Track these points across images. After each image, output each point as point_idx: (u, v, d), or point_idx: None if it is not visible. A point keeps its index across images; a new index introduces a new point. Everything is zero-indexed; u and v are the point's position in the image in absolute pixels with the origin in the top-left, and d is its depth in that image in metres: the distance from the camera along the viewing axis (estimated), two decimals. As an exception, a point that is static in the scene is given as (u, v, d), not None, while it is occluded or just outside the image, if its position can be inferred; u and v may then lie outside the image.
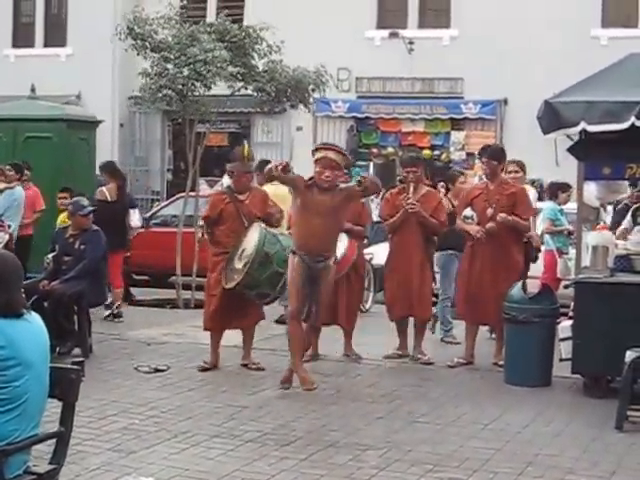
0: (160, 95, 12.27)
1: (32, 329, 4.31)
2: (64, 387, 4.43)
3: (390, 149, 22.05)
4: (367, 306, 12.15)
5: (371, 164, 21.59)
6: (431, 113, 21.73)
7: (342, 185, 8.05)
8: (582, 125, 7.69)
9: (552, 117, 7.80)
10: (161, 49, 12.22)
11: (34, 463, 4.38)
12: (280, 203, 9.26)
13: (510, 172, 9.84)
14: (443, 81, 21.90)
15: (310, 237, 7.79)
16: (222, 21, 12.82)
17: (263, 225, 8.72)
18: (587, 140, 7.97)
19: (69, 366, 4.55)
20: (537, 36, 20.11)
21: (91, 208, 9.58)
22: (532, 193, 10.21)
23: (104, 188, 12.01)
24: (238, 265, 8.60)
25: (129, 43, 12.54)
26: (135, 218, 12.38)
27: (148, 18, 12.49)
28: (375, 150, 22.22)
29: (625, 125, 7.56)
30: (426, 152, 21.90)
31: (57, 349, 9.09)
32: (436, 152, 21.89)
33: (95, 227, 9.67)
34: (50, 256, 9.79)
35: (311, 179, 7.87)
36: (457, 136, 21.61)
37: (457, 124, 21.80)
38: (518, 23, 20.42)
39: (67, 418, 4.47)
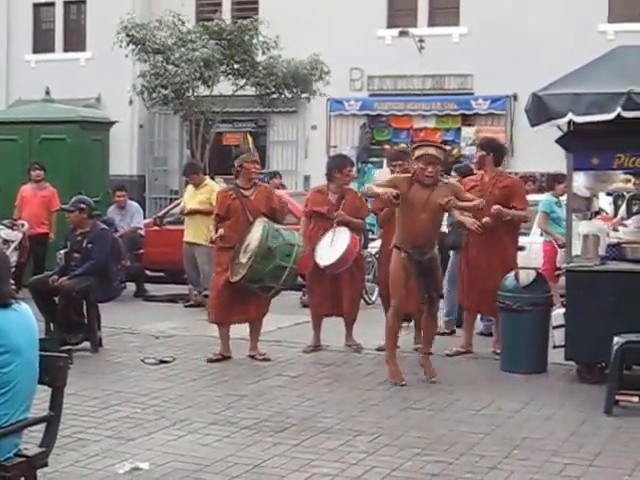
0: (155, 95, 12.49)
1: (20, 318, 4.45)
2: (53, 374, 4.59)
3: (402, 145, 22.25)
4: (372, 298, 12.35)
5: (384, 160, 21.77)
6: (442, 109, 22.04)
7: (445, 180, 8.37)
8: (569, 116, 7.83)
9: (540, 109, 7.94)
10: (161, 51, 12.46)
11: (25, 447, 4.55)
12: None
13: None
14: (453, 78, 22.20)
15: (416, 232, 8.02)
16: (216, 21, 13.06)
17: (266, 220, 8.93)
18: (575, 131, 8.12)
19: (57, 354, 4.71)
20: (545, 32, 20.37)
21: (80, 206, 9.66)
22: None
23: None
24: (243, 259, 8.82)
25: (130, 49, 12.75)
26: None
27: (145, 23, 12.72)
28: (387, 146, 22.40)
29: (611, 116, 7.67)
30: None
31: (69, 341, 9.34)
32: (447, 147, 22.04)
33: (103, 226, 9.87)
34: (62, 252, 10.05)
35: (412, 176, 8.11)
36: (468, 131, 21.90)
37: (467, 120, 22.12)
38: (526, 19, 20.71)
39: (56, 403, 4.64)
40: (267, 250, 8.72)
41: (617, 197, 10.93)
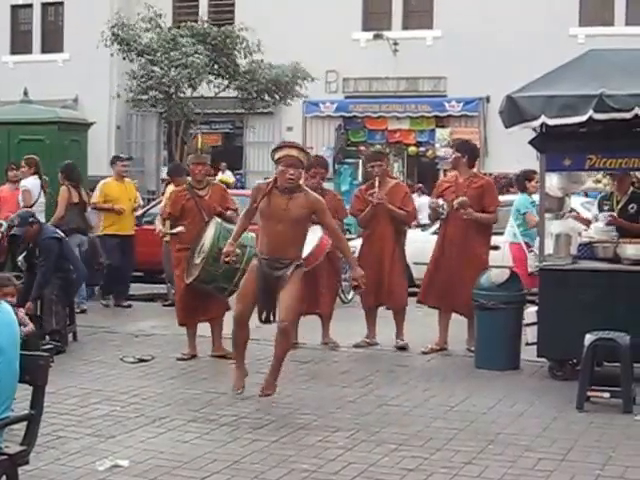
0: (146, 97, 12.58)
1: (2, 318, 4.53)
2: (34, 372, 4.67)
3: (377, 146, 22.45)
4: (349, 297, 12.48)
5: (360, 161, 21.97)
6: (416, 111, 22.31)
7: (309, 192, 7.51)
8: (542, 119, 7.95)
9: (514, 111, 8.07)
10: (146, 52, 12.55)
11: (6, 445, 4.65)
12: None
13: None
14: (427, 80, 22.53)
15: (271, 242, 7.35)
16: (201, 24, 13.19)
17: (220, 220, 8.93)
18: (548, 133, 8.26)
19: (38, 353, 4.80)
20: (517, 35, 20.78)
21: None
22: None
23: None
24: (197, 260, 8.88)
25: (115, 48, 12.86)
26: None
27: (131, 24, 12.83)
28: (363, 147, 22.62)
29: (583, 118, 7.81)
30: (412, 149, 22.44)
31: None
32: (422, 148, 22.40)
33: (47, 234, 9.65)
34: (21, 258, 9.85)
35: (271, 183, 7.41)
36: (442, 133, 22.21)
37: (441, 121, 22.45)
38: (498, 23, 21.10)
39: (37, 401, 4.72)
40: (218, 252, 8.66)
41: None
